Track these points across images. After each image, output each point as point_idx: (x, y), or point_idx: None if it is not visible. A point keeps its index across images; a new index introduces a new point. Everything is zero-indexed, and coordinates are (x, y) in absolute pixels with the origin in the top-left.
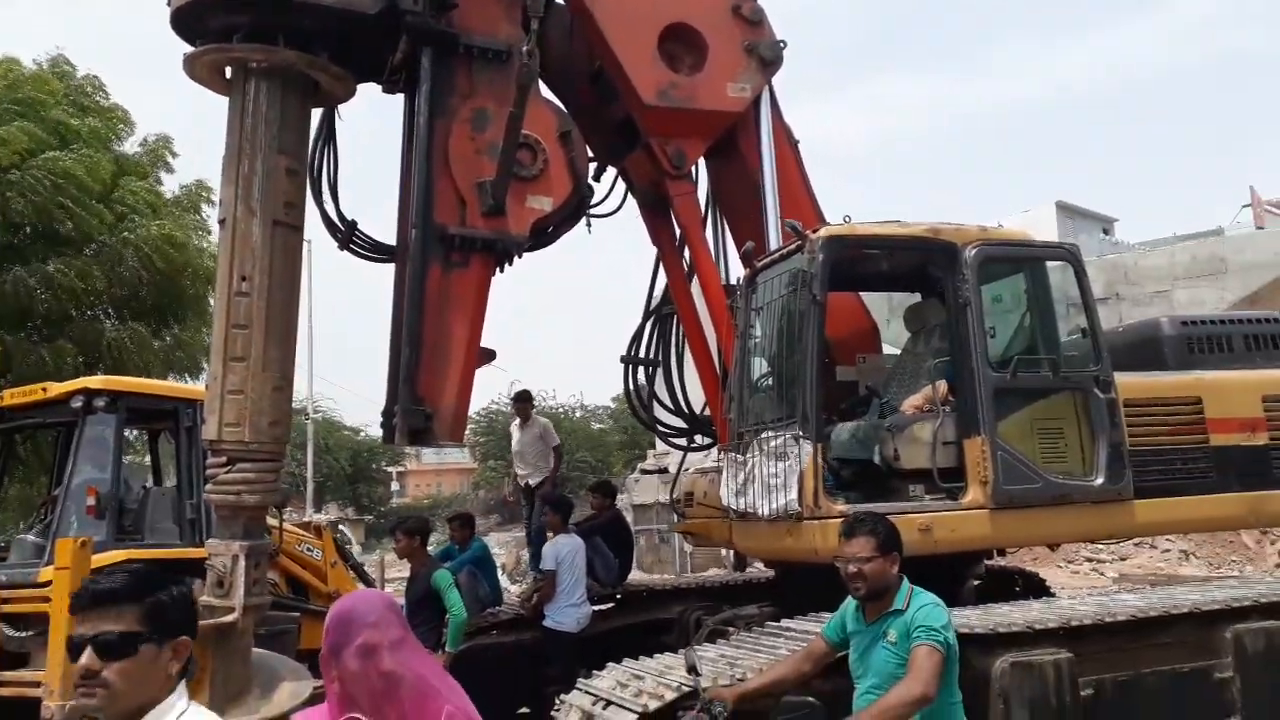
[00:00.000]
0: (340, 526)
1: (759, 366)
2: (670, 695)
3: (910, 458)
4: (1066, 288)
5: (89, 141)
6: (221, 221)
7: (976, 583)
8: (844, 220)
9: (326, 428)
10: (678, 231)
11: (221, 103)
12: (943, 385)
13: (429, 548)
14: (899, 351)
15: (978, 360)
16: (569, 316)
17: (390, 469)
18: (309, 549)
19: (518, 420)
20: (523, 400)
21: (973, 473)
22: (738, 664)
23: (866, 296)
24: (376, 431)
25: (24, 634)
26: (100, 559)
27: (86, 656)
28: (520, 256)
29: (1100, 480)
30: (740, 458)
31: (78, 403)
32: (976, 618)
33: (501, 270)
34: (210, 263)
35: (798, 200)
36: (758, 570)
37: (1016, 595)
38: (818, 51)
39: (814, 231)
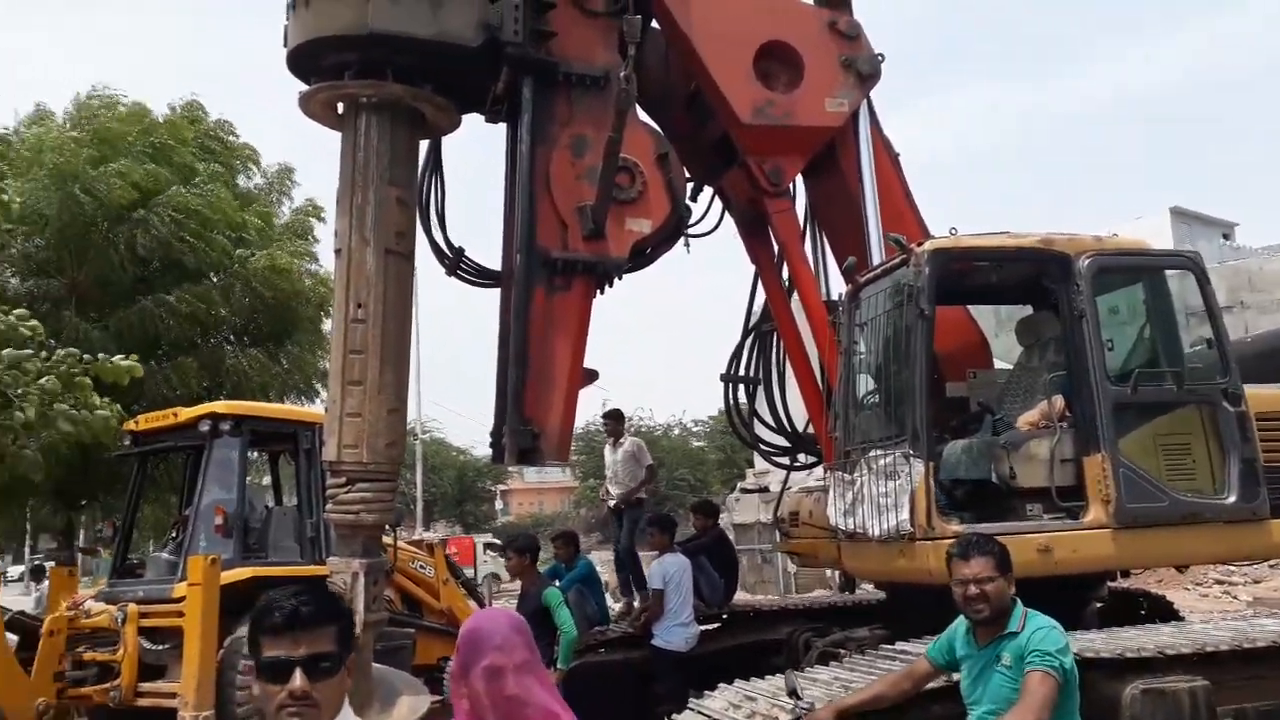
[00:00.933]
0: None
1: (865, 383)
2: (785, 718)
3: (1027, 476)
4: (1186, 297)
5: (214, 178)
6: (337, 252)
7: (1099, 605)
8: (950, 232)
9: (434, 448)
10: (776, 248)
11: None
12: (1059, 400)
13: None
14: (1008, 366)
15: (1096, 374)
16: (668, 335)
17: (494, 488)
18: (422, 566)
19: (611, 440)
20: (614, 419)
21: (1093, 491)
22: (851, 687)
23: (973, 309)
24: (482, 451)
25: (161, 647)
26: (228, 576)
27: (300, 679)
28: (620, 278)
29: (1232, 498)
30: (848, 477)
31: (205, 426)
32: (1102, 642)
33: (602, 291)
34: (320, 287)
35: (900, 213)
36: (866, 591)
37: (1142, 619)
38: (892, 59)
39: (919, 245)
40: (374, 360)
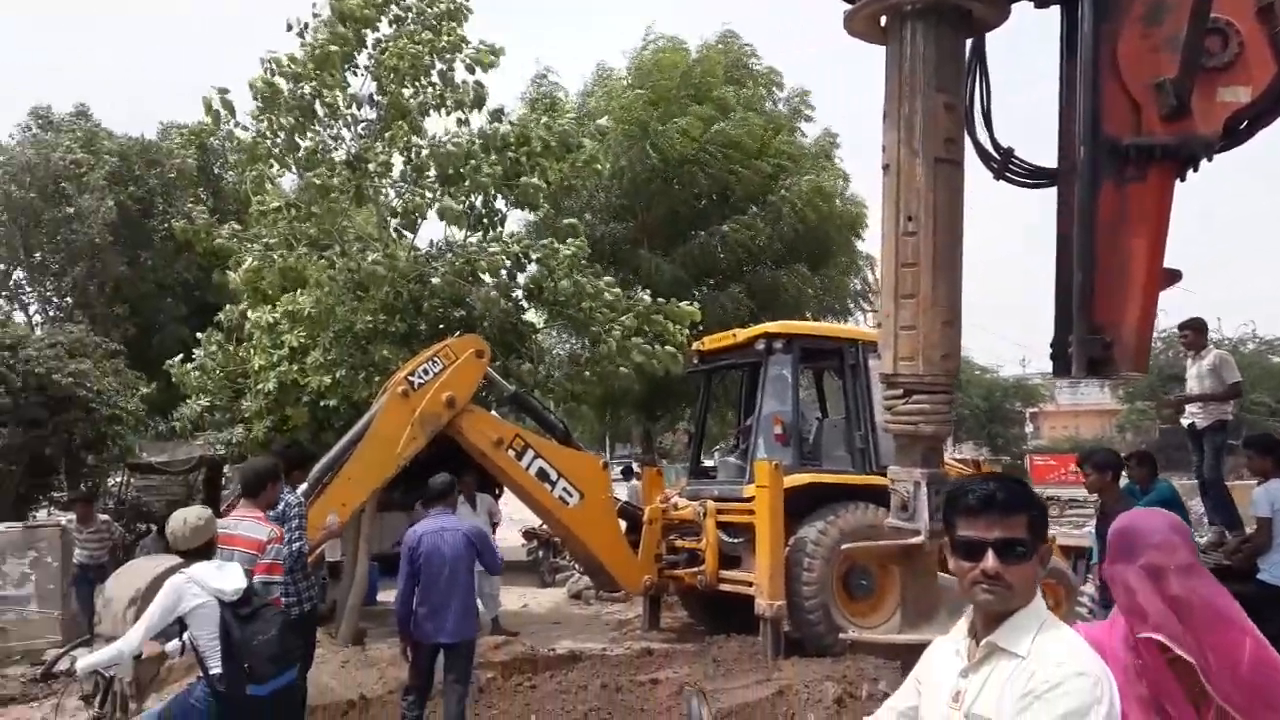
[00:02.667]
0: None
1: None
2: None
3: None
4: None
5: (746, 105)
6: (885, 167)
7: None
8: None
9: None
10: None
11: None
12: None
13: None
14: None
15: None
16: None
17: (1024, 410)
18: None
19: (1191, 353)
20: (1195, 329)
21: None
22: None
23: None
24: (1010, 371)
25: (736, 540)
26: (789, 480)
27: (992, 559)
28: (1210, 159)
29: None
30: None
31: (761, 345)
32: None
33: (1183, 178)
34: (851, 209)
35: None
36: None
37: None
38: None
39: None
40: (926, 272)
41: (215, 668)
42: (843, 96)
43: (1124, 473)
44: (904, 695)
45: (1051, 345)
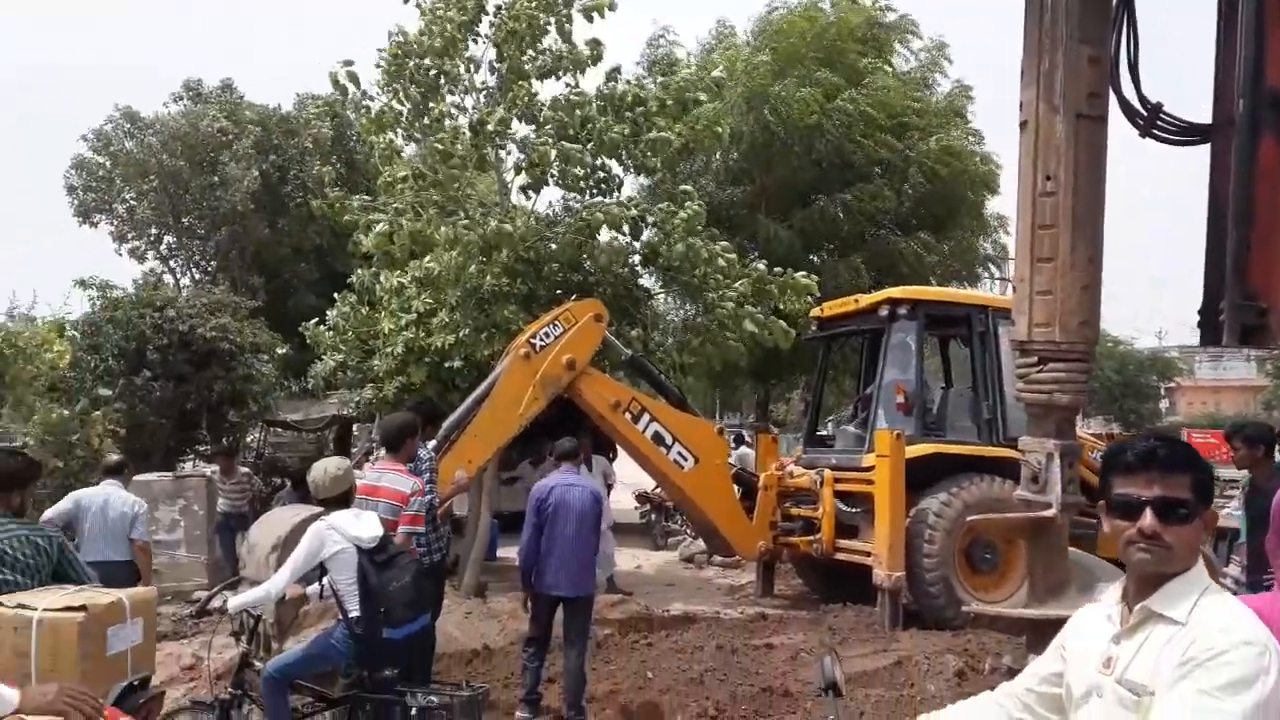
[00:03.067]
0: None
1: None
2: None
3: None
4: None
5: (873, 73)
6: (1022, 124)
7: None
8: None
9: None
10: None
11: None
12: None
13: None
14: None
15: None
16: None
17: (1160, 384)
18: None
19: None
20: None
21: None
22: None
23: None
24: (1145, 343)
25: (853, 510)
26: (911, 451)
27: (1149, 517)
28: None
29: None
30: None
31: (884, 311)
32: None
33: None
34: (984, 166)
35: None
36: None
37: None
38: None
39: None
40: (1065, 234)
41: (353, 611)
42: (977, 49)
43: (1275, 449)
44: (1047, 661)
45: (1200, 312)
